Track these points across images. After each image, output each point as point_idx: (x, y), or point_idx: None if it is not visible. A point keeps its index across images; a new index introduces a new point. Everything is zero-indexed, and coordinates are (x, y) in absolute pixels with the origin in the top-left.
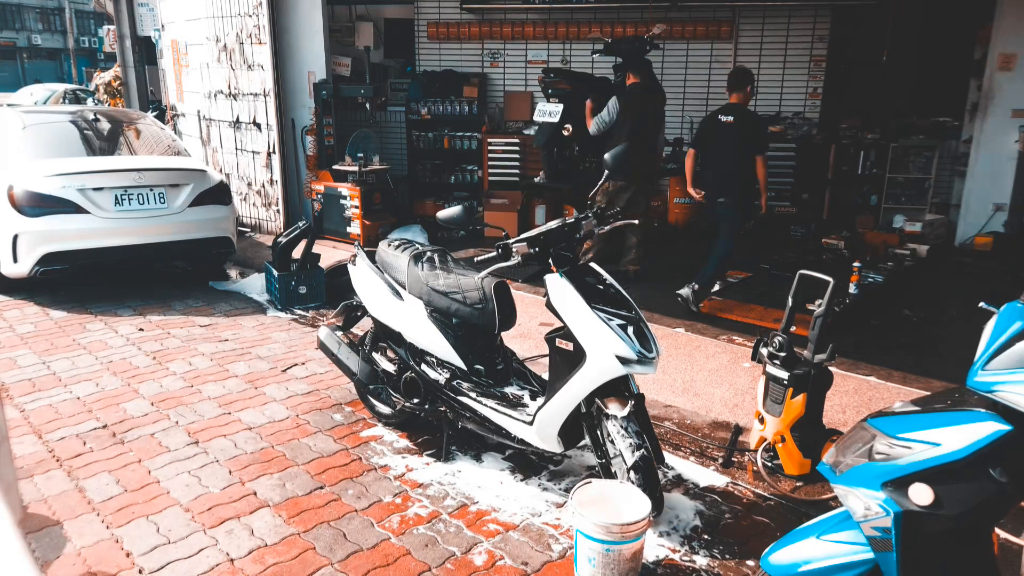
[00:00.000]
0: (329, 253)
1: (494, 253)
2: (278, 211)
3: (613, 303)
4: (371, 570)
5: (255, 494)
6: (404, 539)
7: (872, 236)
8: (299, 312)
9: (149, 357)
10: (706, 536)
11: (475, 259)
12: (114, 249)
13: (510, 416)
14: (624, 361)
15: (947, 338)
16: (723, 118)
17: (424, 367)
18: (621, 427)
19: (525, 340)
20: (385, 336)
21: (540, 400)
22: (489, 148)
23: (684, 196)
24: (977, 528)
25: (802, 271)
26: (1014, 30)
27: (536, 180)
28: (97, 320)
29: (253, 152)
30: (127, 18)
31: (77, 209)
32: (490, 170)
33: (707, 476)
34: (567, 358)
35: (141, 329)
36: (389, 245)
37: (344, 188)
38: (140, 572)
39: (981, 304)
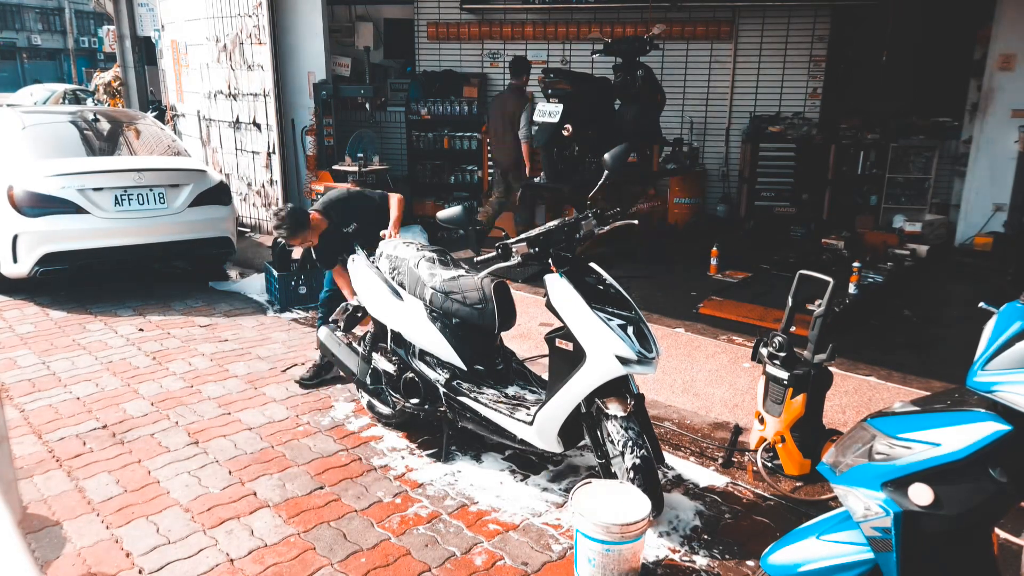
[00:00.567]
0: None
1: (493, 253)
2: None
3: (613, 303)
4: (371, 570)
5: (255, 494)
6: (404, 539)
7: (872, 236)
8: (299, 312)
9: (149, 357)
10: (706, 536)
11: (475, 259)
12: (114, 249)
13: (510, 416)
14: (624, 361)
15: (947, 338)
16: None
17: (424, 367)
18: (621, 427)
19: (525, 340)
20: (385, 336)
21: (540, 400)
22: (489, 148)
23: (684, 196)
24: (977, 528)
25: (802, 271)
26: (1014, 30)
27: (536, 180)
28: (97, 320)
29: (253, 152)
30: (127, 18)
31: (77, 209)
32: (490, 170)
33: (707, 476)
34: (567, 358)
35: (141, 329)
36: (389, 245)
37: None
38: (140, 572)
39: (981, 304)
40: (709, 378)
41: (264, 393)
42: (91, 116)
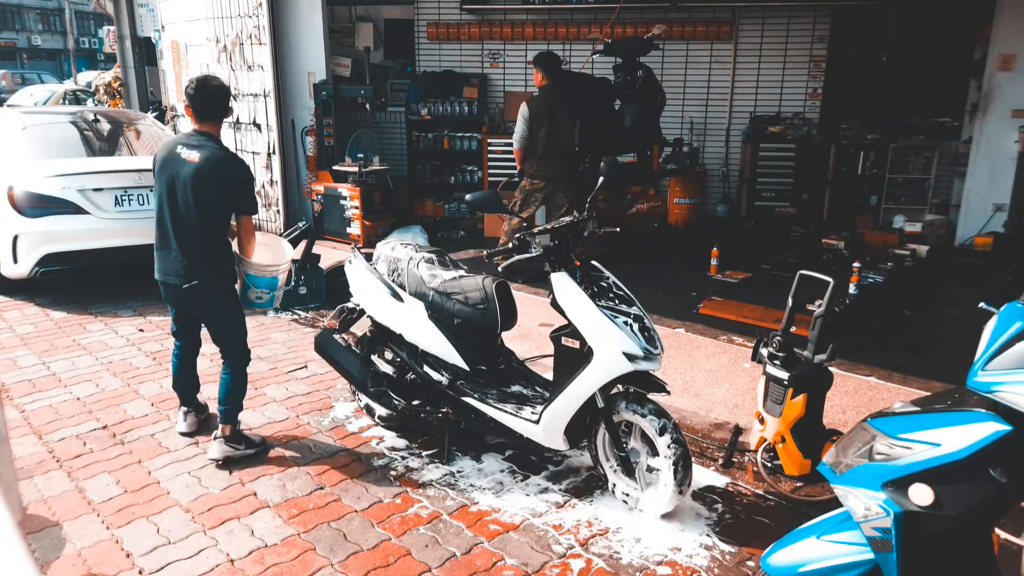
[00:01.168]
0: (329, 254)
1: (509, 246)
2: (278, 212)
3: (617, 301)
4: (371, 570)
5: (255, 495)
6: (404, 539)
7: (872, 236)
8: (299, 312)
9: (149, 358)
10: (706, 536)
11: (485, 254)
12: (114, 250)
13: (516, 415)
14: (631, 358)
15: (947, 338)
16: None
17: (426, 368)
18: (642, 415)
19: (525, 340)
20: (385, 338)
21: (544, 399)
22: (489, 149)
23: (684, 196)
24: (977, 528)
25: (802, 271)
26: (1014, 30)
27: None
28: (97, 321)
29: (253, 153)
30: (127, 19)
31: (77, 210)
32: (490, 171)
33: (707, 476)
34: (573, 356)
35: (141, 330)
36: (387, 246)
37: (344, 189)
38: (140, 573)
39: (981, 304)
40: (709, 378)
41: (264, 393)
42: (91, 116)
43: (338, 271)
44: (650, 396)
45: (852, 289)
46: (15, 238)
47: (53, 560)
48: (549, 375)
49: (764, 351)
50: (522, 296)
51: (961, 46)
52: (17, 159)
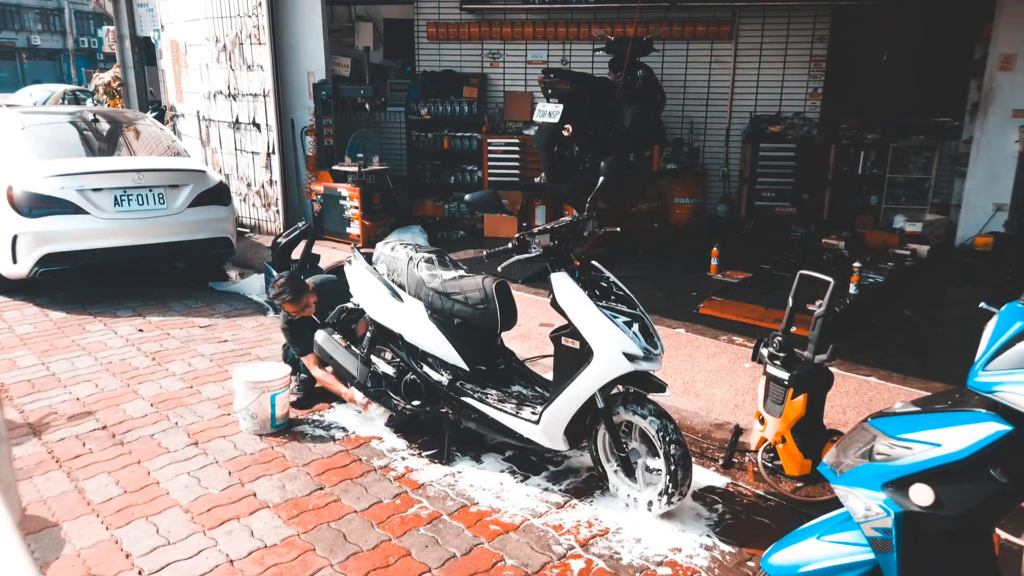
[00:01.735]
0: (329, 254)
1: (508, 246)
2: (278, 212)
3: (617, 301)
4: (371, 571)
5: (255, 495)
6: (404, 540)
7: (872, 236)
8: None
9: (148, 358)
10: (706, 537)
11: (485, 254)
12: (113, 250)
13: (516, 415)
14: (631, 358)
15: (947, 338)
16: None
17: (426, 369)
18: (642, 416)
19: (525, 340)
20: (384, 338)
21: (544, 399)
22: (489, 148)
23: (684, 196)
24: (977, 528)
25: (802, 271)
26: (1014, 30)
27: (536, 180)
28: (96, 321)
29: (253, 153)
30: (127, 18)
31: (76, 210)
32: (490, 170)
33: (707, 477)
34: (573, 356)
35: (140, 330)
36: (387, 246)
37: (344, 189)
38: (140, 573)
39: (981, 304)
40: (709, 378)
41: None
42: (91, 116)
43: (338, 271)
44: (650, 396)
45: (852, 289)
46: (14, 238)
47: (52, 561)
48: (549, 375)
49: (764, 351)
50: (522, 296)
51: (961, 46)
52: (16, 159)
